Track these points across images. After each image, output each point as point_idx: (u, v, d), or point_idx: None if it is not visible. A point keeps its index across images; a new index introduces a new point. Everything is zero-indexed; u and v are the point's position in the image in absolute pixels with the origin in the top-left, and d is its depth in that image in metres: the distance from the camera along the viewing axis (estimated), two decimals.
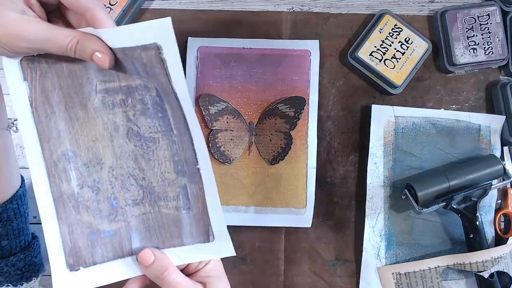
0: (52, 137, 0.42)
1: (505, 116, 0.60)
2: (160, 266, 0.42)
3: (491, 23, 0.60)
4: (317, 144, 0.60)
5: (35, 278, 0.52)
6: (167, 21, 0.36)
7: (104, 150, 0.43)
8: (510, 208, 0.60)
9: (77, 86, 0.41)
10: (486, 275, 0.55)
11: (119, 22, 0.60)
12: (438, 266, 0.57)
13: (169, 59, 0.38)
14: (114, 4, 0.59)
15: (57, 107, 0.41)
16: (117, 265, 0.44)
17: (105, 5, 0.59)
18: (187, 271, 0.44)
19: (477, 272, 0.56)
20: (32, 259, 0.52)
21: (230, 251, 0.43)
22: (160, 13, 0.62)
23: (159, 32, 0.37)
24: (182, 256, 0.44)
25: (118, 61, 0.40)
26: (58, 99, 0.41)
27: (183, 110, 0.41)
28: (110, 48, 0.38)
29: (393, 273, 0.58)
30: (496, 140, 0.60)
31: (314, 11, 0.63)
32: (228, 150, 0.60)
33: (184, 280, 0.42)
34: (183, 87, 0.39)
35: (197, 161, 0.43)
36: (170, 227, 0.44)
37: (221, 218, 0.44)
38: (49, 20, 0.39)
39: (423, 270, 0.57)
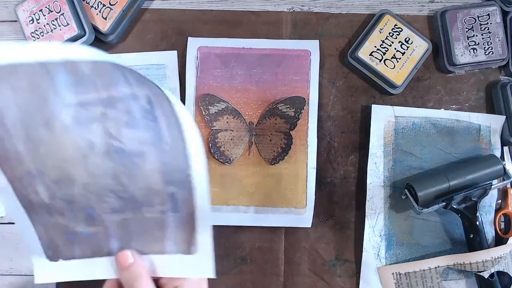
0: (11, 159, 0.36)
1: (505, 116, 0.60)
2: (136, 272, 0.40)
3: (491, 23, 0.60)
4: (317, 144, 0.60)
5: None
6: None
7: (75, 169, 0.37)
8: (510, 208, 0.60)
9: (40, 101, 0.34)
10: (486, 275, 0.55)
11: (119, 22, 0.60)
12: (438, 266, 0.57)
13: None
14: (114, 4, 0.59)
15: (13, 128, 0.34)
16: (97, 262, 0.42)
17: (104, 5, 0.59)
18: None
19: (477, 272, 0.56)
20: None
21: (210, 272, 0.41)
22: (160, 13, 0.62)
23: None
24: (160, 266, 0.42)
25: (105, 70, 0.35)
26: (14, 117, 0.34)
27: (176, 112, 0.38)
28: None
29: (393, 273, 0.58)
30: (496, 140, 0.60)
31: (314, 11, 0.63)
32: (228, 150, 0.60)
33: None
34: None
35: (189, 167, 0.39)
36: (153, 231, 0.41)
37: (208, 227, 0.41)
38: None
39: (423, 270, 0.57)
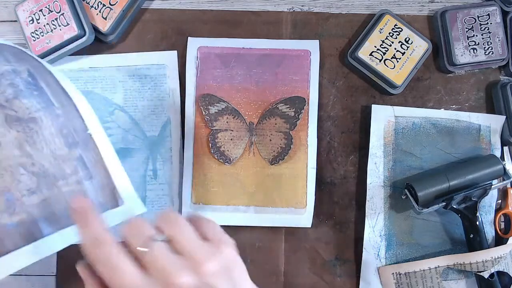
0: None
1: (505, 116, 0.60)
2: (101, 228, 0.35)
3: (491, 23, 0.60)
4: (317, 144, 0.60)
5: None
6: None
7: None
8: (510, 208, 0.60)
9: None
10: (486, 275, 0.55)
11: (119, 22, 0.60)
12: (438, 266, 0.57)
13: None
14: (114, 4, 0.59)
15: None
16: (32, 248, 0.42)
17: (104, 5, 0.59)
18: None
19: (477, 272, 0.56)
20: None
21: (141, 208, 0.43)
22: (160, 13, 0.62)
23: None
24: None
25: None
26: None
27: (60, 82, 0.42)
28: None
29: (393, 273, 0.58)
30: (496, 140, 0.60)
31: (314, 11, 0.63)
32: (228, 150, 0.60)
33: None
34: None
35: (86, 127, 0.43)
36: None
37: (125, 179, 0.43)
38: None
39: (423, 270, 0.57)
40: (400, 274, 0.58)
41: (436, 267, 0.57)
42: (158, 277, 0.34)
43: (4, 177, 0.41)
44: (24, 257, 0.43)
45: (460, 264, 0.56)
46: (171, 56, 0.61)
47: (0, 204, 0.41)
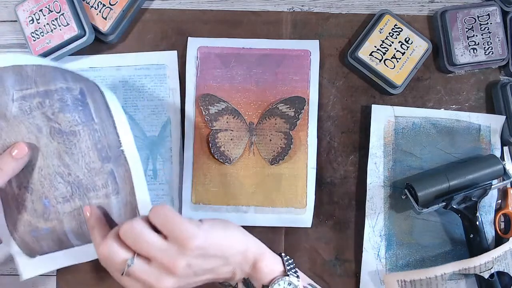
0: None
1: (505, 116, 0.60)
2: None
3: (491, 23, 0.60)
4: (317, 144, 0.60)
5: None
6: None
7: (33, 152, 0.46)
8: (510, 208, 0.60)
9: None
10: (486, 275, 0.55)
11: (119, 22, 0.60)
12: (444, 274, 0.56)
13: None
14: (114, 4, 0.59)
15: None
16: (65, 254, 0.50)
17: (104, 5, 0.59)
18: None
19: (480, 273, 0.55)
20: None
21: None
22: (160, 13, 0.62)
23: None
24: None
25: (47, 71, 0.47)
26: None
27: (107, 100, 0.48)
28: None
29: (397, 280, 0.57)
30: (496, 140, 0.60)
31: (314, 11, 0.63)
32: (228, 150, 0.60)
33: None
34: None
35: (120, 144, 0.47)
36: None
37: (147, 199, 0.48)
38: None
39: (429, 278, 0.56)
40: (405, 282, 0.57)
41: (442, 274, 0.56)
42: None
43: (44, 184, 0.46)
44: (57, 260, 0.50)
45: (465, 269, 0.55)
46: (171, 56, 0.61)
47: (38, 208, 0.46)
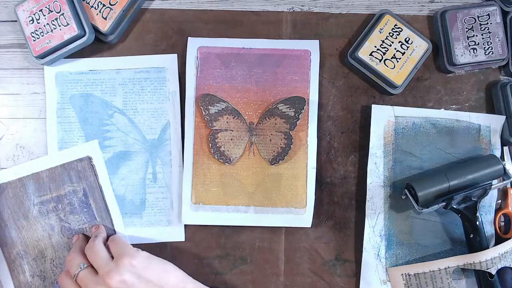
0: (7, 243, 0.58)
1: (505, 116, 0.60)
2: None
3: (491, 23, 0.60)
4: (317, 144, 0.60)
5: None
6: (95, 141, 0.59)
7: (45, 246, 0.59)
8: (510, 208, 0.60)
9: (20, 203, 0.58)
10: (493, 271, 0.55)
11: (119, 22, 0.60)
12: (448, 267, 0.56)
13: (97, 163, 0.59)
14: (114, 4, 0.59)
15: (8, 221, 0.58)
16: None
17: (104, 5, 0.59)
18: None
19: (486, 269, 0.55)
20: None
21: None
22: (160, 13, 0.62)
23: (89, 148, 0.59)
24: None
25: (57, 175, 0.59)
26: (7, 215, 0.58)
27: (105, 198, 0.59)
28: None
29: (402, 274, 0.57)
30: (496, 140, 0.60)
31: (314, 11, 0.63)
32: (228, 150, 0.60)
33: None
34: (106, 181, 0.59)
35: (114, 227, 0.59)
36: None
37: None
38: None
39: (433, 271, 0.56)
40: (409, 275, 0.57)
41: (446, 268, 0.56)
42: None
43: (55, 272, 0.59)
44: None
45: (470, 264, 0.55)
46: (171, 59, 0.61)
47: None
